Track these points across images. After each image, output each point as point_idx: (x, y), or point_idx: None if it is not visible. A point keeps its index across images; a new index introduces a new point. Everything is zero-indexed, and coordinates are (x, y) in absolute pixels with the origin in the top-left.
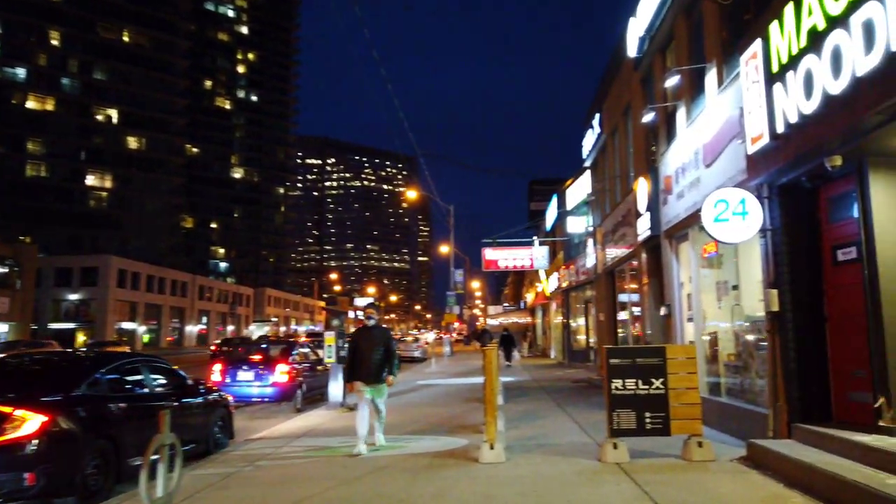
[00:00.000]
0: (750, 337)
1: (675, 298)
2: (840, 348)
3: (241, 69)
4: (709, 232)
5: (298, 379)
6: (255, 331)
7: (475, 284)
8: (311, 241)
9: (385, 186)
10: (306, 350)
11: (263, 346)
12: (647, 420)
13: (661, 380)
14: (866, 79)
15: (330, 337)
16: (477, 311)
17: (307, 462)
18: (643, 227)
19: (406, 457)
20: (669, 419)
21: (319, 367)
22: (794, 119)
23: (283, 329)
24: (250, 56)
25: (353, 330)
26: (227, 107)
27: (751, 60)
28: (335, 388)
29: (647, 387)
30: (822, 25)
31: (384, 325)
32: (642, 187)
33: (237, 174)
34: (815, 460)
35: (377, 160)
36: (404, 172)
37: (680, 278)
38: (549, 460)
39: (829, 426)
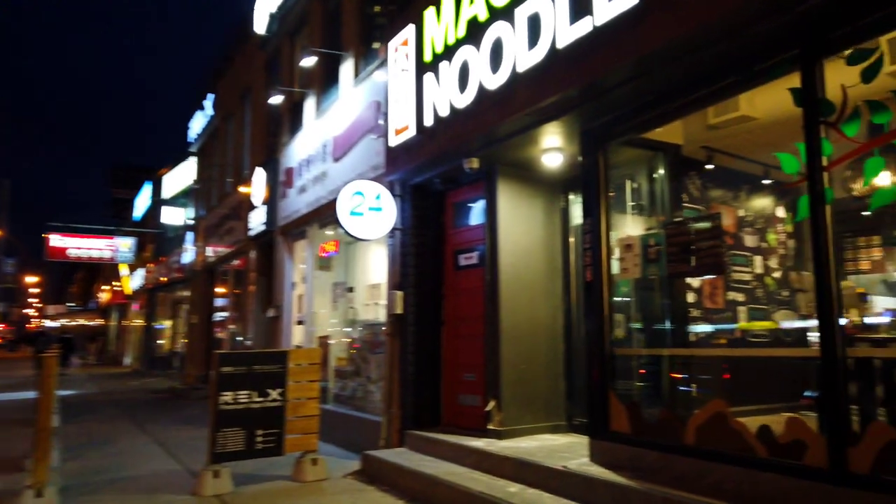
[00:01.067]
0: (364, 341)
1: (286, 300)
2: (454, 352)
3: None
4: (343, 225)
5: None
6: None
7: (32, 279)
8: None
9: None
10: None
11: None
12: (259, 439)
13: (279, 390)
14: (526, 76)
15: None
16: (32, 311)
17: None
18: (257, 222)
19: None
20: (284, 435)
21: None
22: (445, 113)
23: None
24: None
25: None
26: None
27: (401, 47)
28: None
29: (262, 399)
30: (483, 16)
31: None
32: (259, 178)
33: None
34: (434, 471)
35: None
36: None
37: (293, 278)
38: (126, 502)
39: (441, 431)
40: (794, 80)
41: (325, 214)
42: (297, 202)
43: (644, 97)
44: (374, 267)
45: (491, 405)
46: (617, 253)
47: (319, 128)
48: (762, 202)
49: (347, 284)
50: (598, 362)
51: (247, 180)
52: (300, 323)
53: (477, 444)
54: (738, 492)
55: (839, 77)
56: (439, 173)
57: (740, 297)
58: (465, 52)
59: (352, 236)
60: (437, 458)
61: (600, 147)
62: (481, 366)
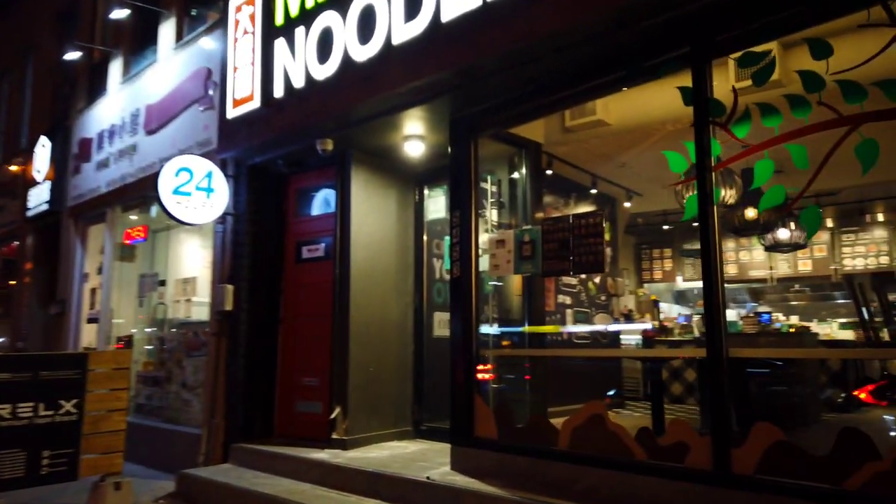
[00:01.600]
0: (178, 342)
1: (74, 294)
2: (293, 354)
3: None
4: (165, 206)
5: None
6: None
7: None
8: None
9: None
10: None
11: None
12: (46, 461)
13: (75, 401)
14: (402, 50)
15: None
16: None
17: None
18: (37, 201)
19: None
20: (80, 456)
21: None
22: (299, 84)
23: None
24: None
25: None
26: None
27: (245, 6)
28: None
29: (52, 412)
30: None
31: None
32: (43, 149)
33: None
34: (273, 489)
35: None
36: None
37: (84, 268)
38: None
39: (276, 443)
40: (685, 80)
41: (132, 194)
42: (95, 179)
43: (524, 87)
44: (188, 259)
45: (336, 412)
46: (489, 249)
47: (129, 94)
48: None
49: (160, 277)
50: (464, 363)
51: (25, 151)
52: (92, 321)
53: (320, 457)
54: (614, 496)
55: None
56: (285, 154)
57: (568, 300)
58: (329, 17)
59: (175, 219)
60: (273, 475)
61: (472, 137)
62: (326, 369)
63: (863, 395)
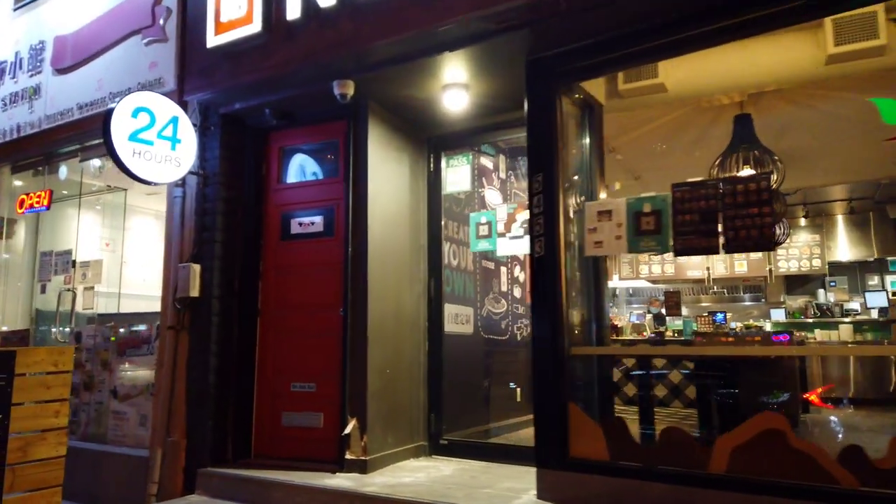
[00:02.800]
0: (101, 339)
1: None
2: (277, 354)
3: None
4: (119, 156)
5: None
6: None
7: None
8: None
9: None
10: None
11: None
12: None
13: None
14: None
15: None
16: None
17: None
18: None
19: None
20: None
21: None
22: (328, 1)
23: None
24: None
25: None
26: None
27: None
28: None
29: None
30: None
31: None
32: None
33: None
34: None
35: None
36: None
37: None
38: None
39: (261, 466)
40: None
41: (31, 150)
42: None
43: (626, 26)
44: (84, 237)
45: (351, 426)
46: (588, 222)
47: (26, 23)
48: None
49: (70, 256)
50: (553, 365)
51: None
52: None
53: (340, 484)
54: None
55: None
56: (278, 100)
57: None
58: None
59: (132, 175)
60: None
61: (556, 83)
62: (331, 372)
63: (813, 398)
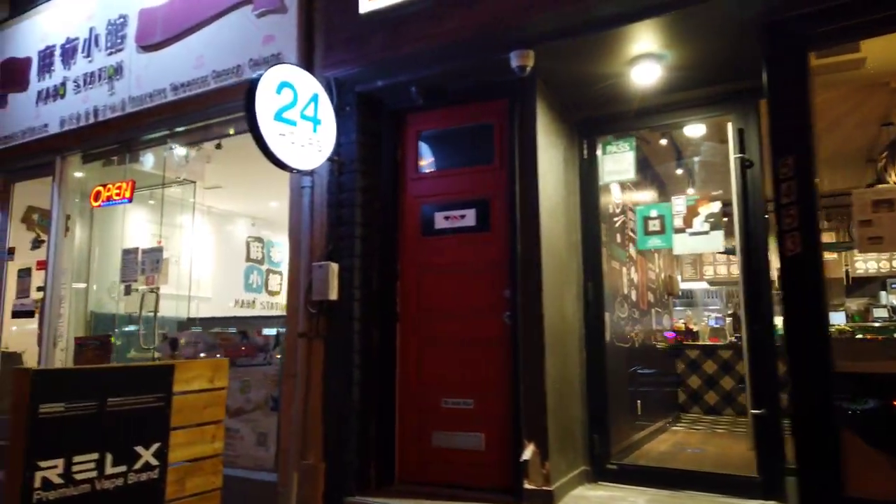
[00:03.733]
0: (202, 346)
1: None
2: (418, 365)
3: None
4: (264, 139)
5: None
6: None
7: None
8: None
9: None
10: None
11: None
12: None
13: (156, 446)
14: None
15: None
16: None
17: None
18: None
19: None
20: None
21: None
22: None
23: None
24: None
25: None
26: None
27: None
28: None
29: (123, 468)
30: None
31: None
32: None
33: None
34: None
35: None
36: None
37: (7, 240)
38: None
39: (414, 494)
40: None
41: (110, 135)
42: (36, 115)
43: None
44: (134, 233)
45: (530, 450)
46: (858, 214)
47: None
48: None
49: (160, 254)
50: (819, 384)
51: None
52: (21, 315)
53: None
54: None
55: None
56: (432, 75)
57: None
58: None
59: (277, 161)
60: None
61: (805, 49)
62: (491, 386)
63: None
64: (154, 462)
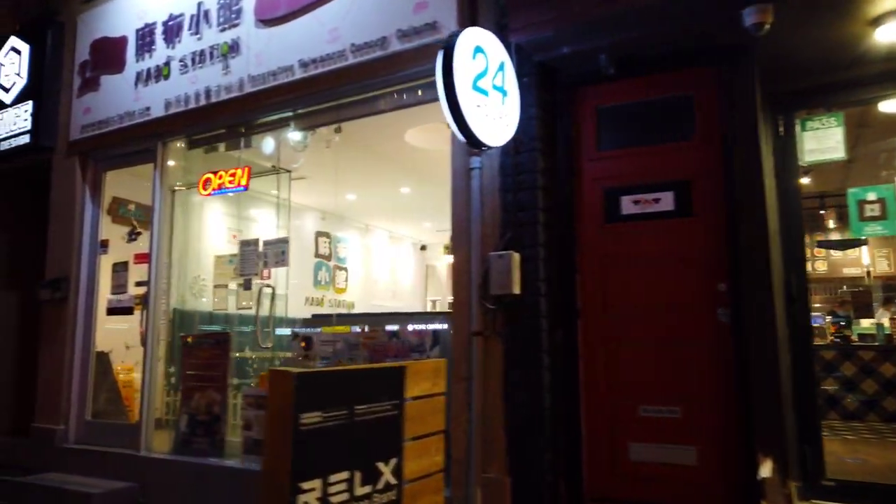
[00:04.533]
0: (342, 346)
1: (83, 271)
2: (611, 366)
3: None
4: (462, 110)
5: None
6: None
7: None
8: None
9: None
10: None
11: None
12: None
13: (393, 462)
14: None
15: None
16: None
17: None
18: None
19: None
20: None
21: None
22: None
23: None
24: None
25: None
26: None
27: None
28: None
29: (369, 487)
30: None
31: None
32: (18, 56)
33: None
34: None
35: None
36: None
37: (100, 232)
38: None
39: None
40: None
41: (222, 117)
42: (136, 98)
43: None
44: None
45: (768, 468)
46: None
47: None
48: None
49: (285, 245)
50: None
51: None
52: (118, 312)
53: None
54: None
55: None
56: (628, 40)
57: None
58: None
59: (472, 138)
60: None
61: None
62: (703, 392)
63: None
64: (393, 481)
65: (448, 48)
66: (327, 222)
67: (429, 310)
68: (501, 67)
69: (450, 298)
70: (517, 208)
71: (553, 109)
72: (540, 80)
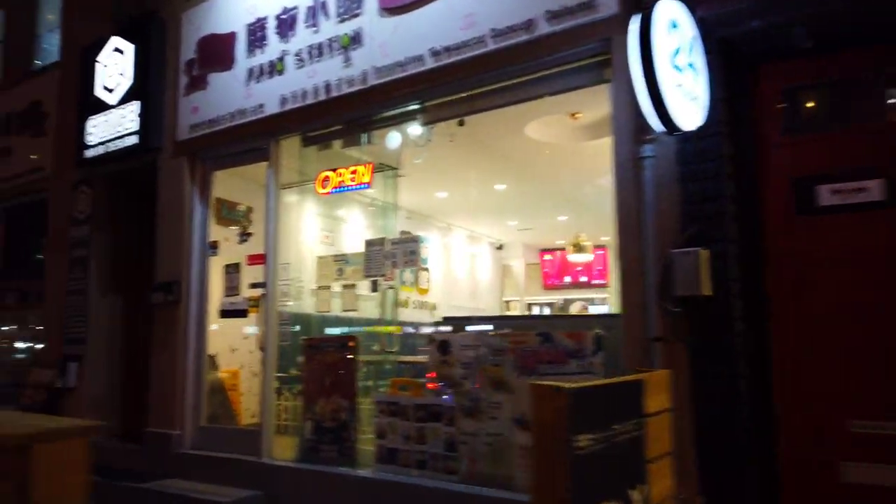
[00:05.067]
0: (486, 351)
1: (193, 273)
2: (810, 374)
3: None
4: (661, 90)
5: None
6: None
7: None
8: None
9: None
10: None
11: None
12: None
13: (643, 487)
14: None
15: None
16: None
17: None
18: (108, 134)
19: None
20: None
21: None
22: None
23: None
24: None
25: None
26: None
27: None
28: None
29: None
30: None
31: None
32: (121, 56)
33: None
34: None
35: None
36: None
37: (208, 233)
38: None
39: None
40: None
41: (342, 111)
42: (246, 95)
43: None
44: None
45: None
46: None
47: None
48: None
49: (416, 244)
50: None
51: (59, 64)
52: (232, 315)
53: None
54: None
55: None
56: (828, 12)
57: None
58: None
59: (668, 122)
60: None
61: None
62: None
63: None
64: None
65: (644, 19)
66: (412, 221)
67: (505, 312)
68: (692, 43)
69: (530, 299)
70: (702, 199)
71: (738, 91)
72: (723, 59)
